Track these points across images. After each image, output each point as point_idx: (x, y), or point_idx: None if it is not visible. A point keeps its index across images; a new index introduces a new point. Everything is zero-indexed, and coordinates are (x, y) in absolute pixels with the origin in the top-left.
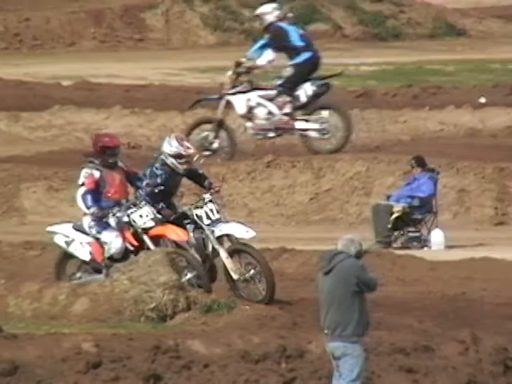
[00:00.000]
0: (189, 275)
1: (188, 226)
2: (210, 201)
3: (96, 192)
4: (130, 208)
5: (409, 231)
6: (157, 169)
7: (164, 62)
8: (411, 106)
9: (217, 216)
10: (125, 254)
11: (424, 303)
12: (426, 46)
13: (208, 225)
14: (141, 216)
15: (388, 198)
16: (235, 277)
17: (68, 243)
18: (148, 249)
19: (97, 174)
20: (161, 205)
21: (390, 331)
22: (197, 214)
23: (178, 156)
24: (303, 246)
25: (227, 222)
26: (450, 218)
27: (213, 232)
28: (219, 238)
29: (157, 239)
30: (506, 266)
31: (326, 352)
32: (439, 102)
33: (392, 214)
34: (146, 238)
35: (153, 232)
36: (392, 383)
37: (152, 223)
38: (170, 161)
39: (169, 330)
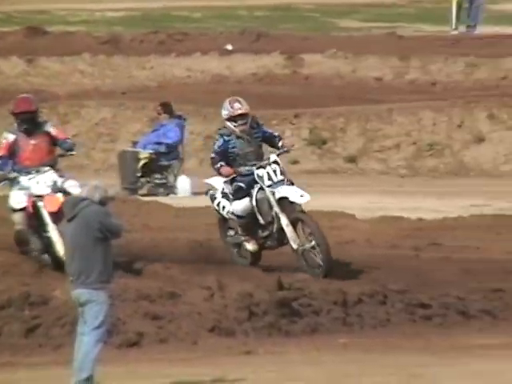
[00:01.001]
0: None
1: (255, 186)
2: (275, 161)
3: (9, 156)
4: (30, 173)
5: (155, 178)
6: (216, 136)
7: None
8: (158, 52)
9: (279, 177)
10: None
11: (170, 250)
12: None
13: (269, 186)
14: (37, 182)
15: (134, 144)
16: (294, 246)
17: None
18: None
19: (11, 138)
20: (219, 163)
21: (135, 278)
22: (258, 174)
23: (230, 119)
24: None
25: (290, 184)
26: (197, 164)
27: (273, 194)
28: (281, 201)
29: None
30: None
31: (71, 299)
32: (186, 48)
33: (139, 160)
34: (39, 204)
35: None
36: (137, 329)
37: (47, 190)
38: (228, 125)
39: None
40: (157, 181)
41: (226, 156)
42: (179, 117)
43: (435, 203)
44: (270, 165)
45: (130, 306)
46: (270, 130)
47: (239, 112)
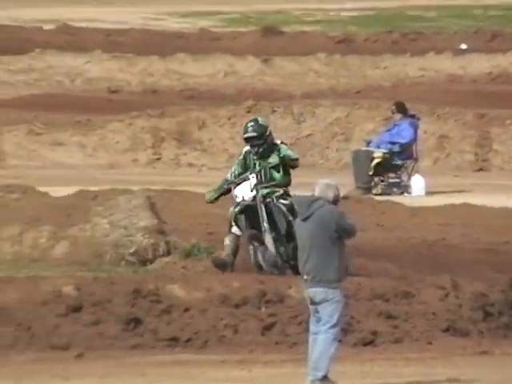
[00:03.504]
0: None
1: None
2: None
3: None
4: None
5: (389, 177)
6: None
7: (145, 7)
8: (392, 51)
9: None
10: None
11: (404, 249)
12: None
13: None
14: None
15: (368, 143)
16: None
17: None
18: None
19: None
20: None
21: (369, 277)
22: None
23: None
24: None
25: None
26: (431, 164)
27: None
28: None
29: None
30: (486, 212)
31: (304, 297)
32: (420, 47)
33: (372, 159)
34: None
35: None
36: (371, 328)
37: None
38: None
39: (149, 275)
40: (390, 180)
41: None
42: (413, 116)
43: None
44: None
45: (365, 304)
46: None
47: None
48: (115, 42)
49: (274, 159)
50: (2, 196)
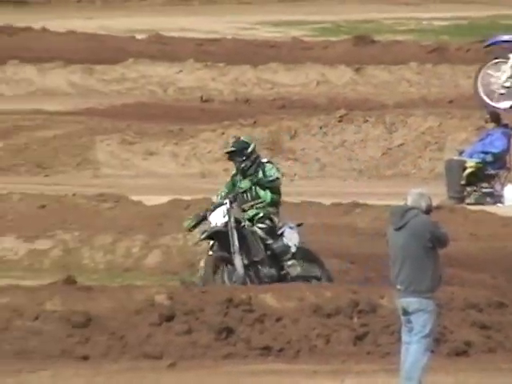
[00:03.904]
0: None
1: None
2: None
3: None
4: None
5: (482, 187)
6: None
7: (236, 16)
8: (484, 61)
9: None
10: None
11: (497, 259)
12: None
13: None
14: None
15: (461, 153)
16: None
17: None
18: None
19: None
20: None
21: (462, 286)
22: None
23: None
24: (375, 201)
25: None
26: None
27: None
28: None
29: None
30: None
31: (396, 307)
32: None
33: (465, 169)
34: None
35: None
36: (464, 339)
37: None
38: None
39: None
40: (483, 190)
41: None
42: (506, 126)
43: None
44: None
45: (458, 314)
46: None
47: None
48: (207, 52)
49: (245, 184)
50: (95, 205)
